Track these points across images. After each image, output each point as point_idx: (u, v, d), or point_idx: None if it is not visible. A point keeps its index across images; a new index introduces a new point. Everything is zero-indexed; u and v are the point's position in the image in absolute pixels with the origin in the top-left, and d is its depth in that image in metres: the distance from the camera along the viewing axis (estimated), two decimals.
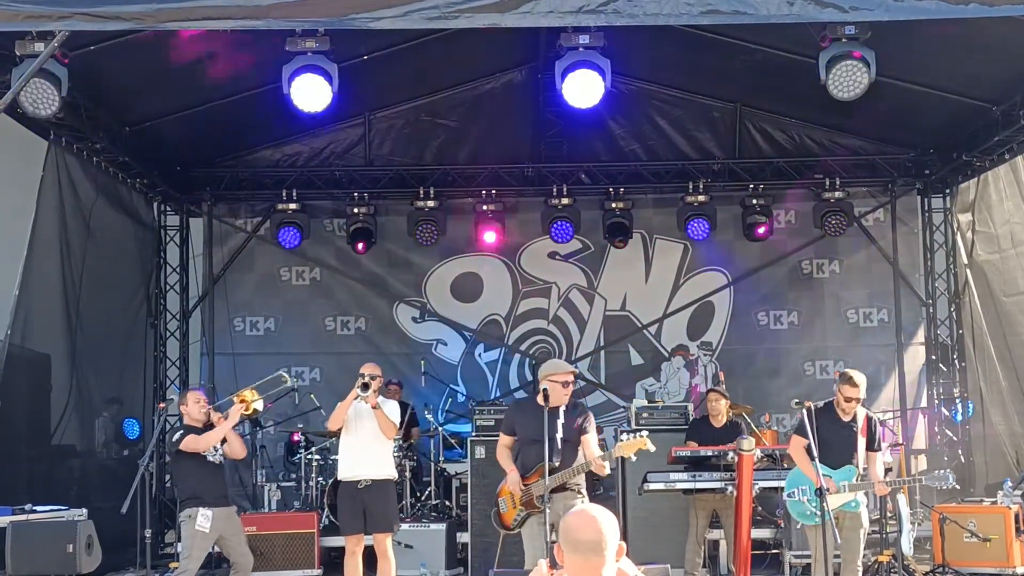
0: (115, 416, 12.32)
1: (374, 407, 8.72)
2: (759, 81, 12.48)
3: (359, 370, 8.82)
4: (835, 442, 7.91)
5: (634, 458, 8.26)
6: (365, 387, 8.63)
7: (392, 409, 8.95)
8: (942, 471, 8.57)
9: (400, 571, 9.50)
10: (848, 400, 8.04)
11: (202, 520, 8.41)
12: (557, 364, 8.07)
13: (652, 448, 7.61)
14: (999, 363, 12.28)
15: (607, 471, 8.04)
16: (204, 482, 8.55)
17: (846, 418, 8.09)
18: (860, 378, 8.10)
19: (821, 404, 8.23)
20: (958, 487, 9.26)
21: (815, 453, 7.76)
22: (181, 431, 8.67)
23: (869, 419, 8.25)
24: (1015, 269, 11.92)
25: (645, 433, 7.68)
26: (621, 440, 7.76)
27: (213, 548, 8.96)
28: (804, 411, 8.11)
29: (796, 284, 14.05)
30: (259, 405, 9.20)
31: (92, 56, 9.07)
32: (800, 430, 8.28)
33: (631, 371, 14.07)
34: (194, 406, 8.78)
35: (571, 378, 7.75)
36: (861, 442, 8.10)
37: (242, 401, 8.97)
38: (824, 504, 7.61)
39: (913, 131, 13.06)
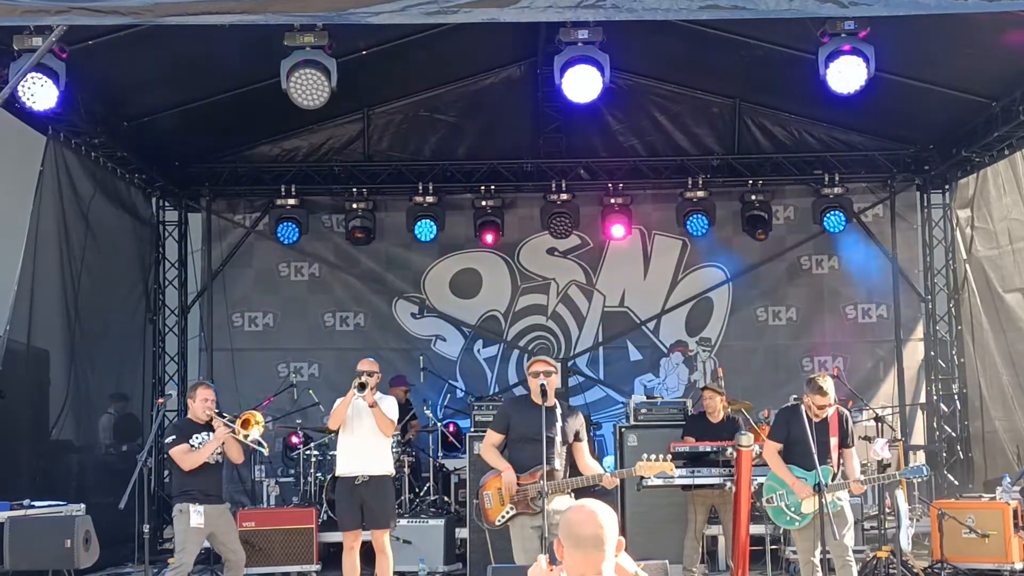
0: (113, 412, 12.32)
1: (372, 405, 8.71)
2: (758, 76, 12.47)
3: (356, 367, 8.82)
4: (808, 443, 7.79)
5: (656, 480, 8.25)
6: (362, 387, 8.62)
7: (390, 406, 8.95)
8: (916, 465, 8.54)
9: (399, 567, 9.52)
10: (821, 408, 7.95)
11: (195, 516, 8.37)
12: (534, 358, 8.01)
13: (676, 474, 7.63)
14: (999, 358, 12.27)
15: (614, 484, 8.01)
16: (197, 478, 8.47)
17: (816, 419, 7.99)
18: (828, 384, 8.00)
19: (790, 404, 8.17)
20: (929, 477, 9.25)
21: (813, 449, 7.75)
22: (174, 436, 8.53)
23: (839, 414, 8.16)
24: (1014, 265, 11.92)
25: (670, 457, 7.64)
26: (643, 460, 7.66)
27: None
28: (777, 413, 8.14)
29: (795, 280, 14.04)
30: (254, 434, 8.95)
31: (90, 51, 9.04)
32: (773, 434, 8.27)
33: (630, 367, 14.07)
34: (200, 404, 8.61)
35: (544, 367, 7.58)
36: (834, 440, 8.02)
37: (244, 421, 8.78)
38: (822, 499, 7.61)
39: (912, 127, 13.05)
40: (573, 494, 7.56)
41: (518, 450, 7.61)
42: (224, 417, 8.62)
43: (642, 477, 9.47)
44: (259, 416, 8.83)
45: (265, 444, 8.92)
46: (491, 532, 7.86)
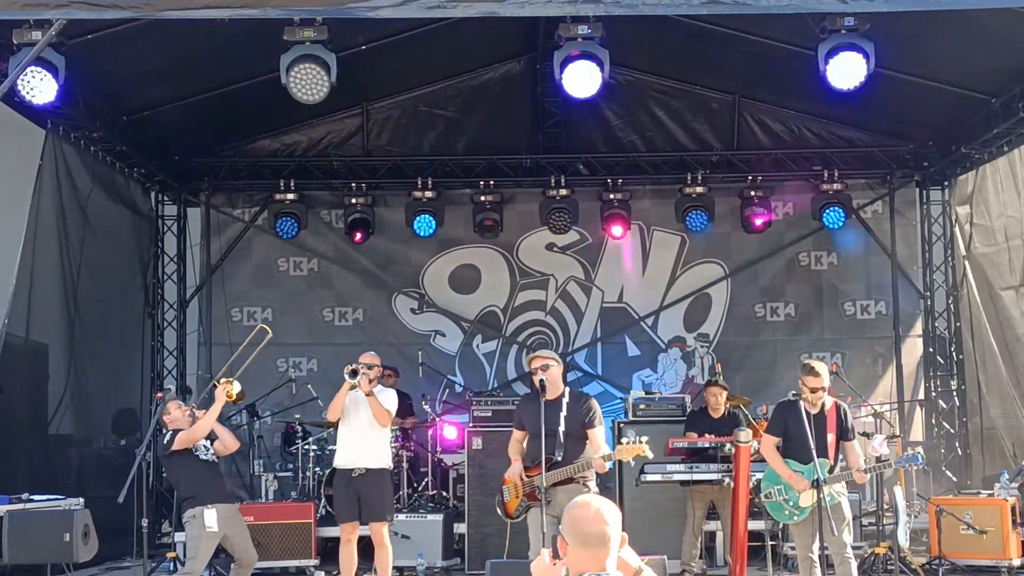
0: (112, 406, 12.32)
1: (368, 394, 8.71)
2: (758, 72, 12.46)
3: (359, 359, 8.82)
4: (805, 437, 7.77)
5: (632, 463, 8.30)
6: (353, 373, 8.62)
7: (388, 397, 8.94)
8: (911, 452, 8.52)
9: (397, 561, 9.51)
10: (813, 391, 7.91)
11: (209, 519, 8.30)
12: (532, 355, 8.12)
13: (650, 455, 7.71)
14: (1000, 354, 12.26)
15: (606, 469, 8.05)
16: (203, 480, 8.46)
17: (814, 410, 7.95)
18: (822, 367, 8.00)
19: (787, 399, 8.16)
20: (927, 469, 9.24)
21: (811, 444, 7.74)
22: (171, 433, 8.51)
23: (837, 407, 8.11)
24: (1012, 262, 11.92)
25: (645, 439, 7.65)
26: (621, 443, 7.73)
27: None
28: (774, 408, 8.14)
29: (793, 276, 14.02)
30: (236, 388, 9.00)
31: (90, 45, 9.05)
32: (771, 429, 8.27)
33: (628, 363, 14.06)
34: (177, 412, 8.59)
35: (540, 362, 7.68)
36: (831, 435, 7.98)
37: (221, 389, 8.79)
38: (820, 494, 7.61)
39: (912, 123, 13.05)
40: (591, 489, 7.61)
41: (531, 445, 7.77)
42: (202, 408, 8.70)
43: (642, 469, 9.58)
44: (227, 383, 8.87)
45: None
46: (491, 529, 7.93)
